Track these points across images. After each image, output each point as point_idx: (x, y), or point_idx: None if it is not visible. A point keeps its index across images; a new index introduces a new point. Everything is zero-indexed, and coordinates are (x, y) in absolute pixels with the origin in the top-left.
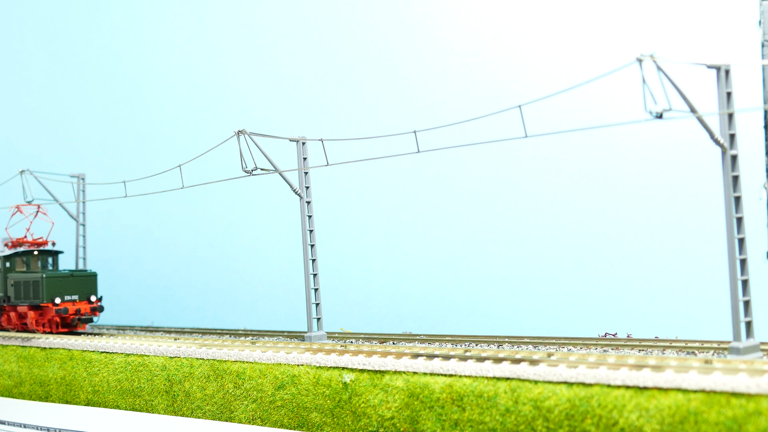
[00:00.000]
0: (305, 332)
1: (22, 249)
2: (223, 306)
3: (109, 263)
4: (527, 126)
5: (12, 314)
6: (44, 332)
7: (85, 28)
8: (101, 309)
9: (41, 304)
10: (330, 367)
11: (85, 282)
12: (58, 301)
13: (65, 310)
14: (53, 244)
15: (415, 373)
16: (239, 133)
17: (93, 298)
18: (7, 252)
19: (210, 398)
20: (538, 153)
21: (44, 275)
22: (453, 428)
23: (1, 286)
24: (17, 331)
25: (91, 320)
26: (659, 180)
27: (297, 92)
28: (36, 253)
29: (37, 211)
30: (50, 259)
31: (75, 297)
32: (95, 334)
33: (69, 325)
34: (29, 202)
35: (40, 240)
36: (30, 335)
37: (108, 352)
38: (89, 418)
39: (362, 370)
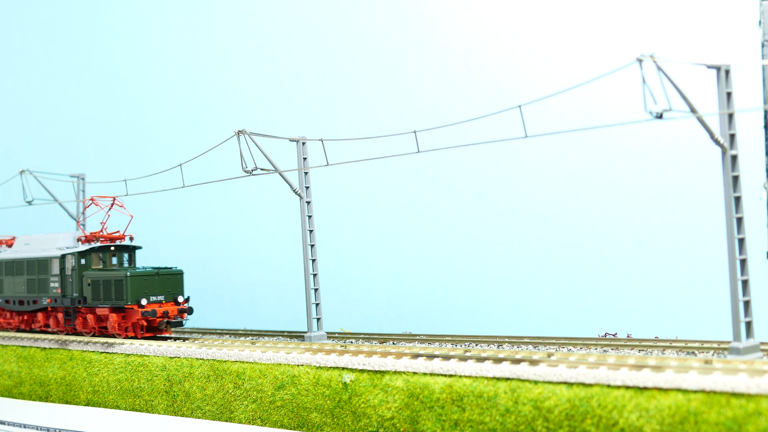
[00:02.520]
0: (305, 332)
1: (98, 244)
2: (223, 306)
3: None
4: (527, 126)
5: (89, 317)
6: (126, 337)
7: (85, 28)
8: (190, 311)
9: (125, 306)
10: (330, 367)
11: (171, 281)
12: (144, 302)
13: (153, 313)
14: (131, 238)
15: (415, 373)
16: (239, 133)
17: (180, 299)
18: (82, 247)
19: (210, 398)
20: (538, 153)
21: (128, 273)
22: (453, 428)
23: (75, 285)
24: (93, 335)
25: (180, 323)
26: (659, 180)
27: (297, 92)
28: (113, 248)
29: (113, 203)
30: (126, 256)
31: (161, 298)
32: (184, 339)
33: (154, 329)
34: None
35: (117, 234)
36: (111, 340)
37: (108, 353)
38: (89, 418)
39: (362, 370)
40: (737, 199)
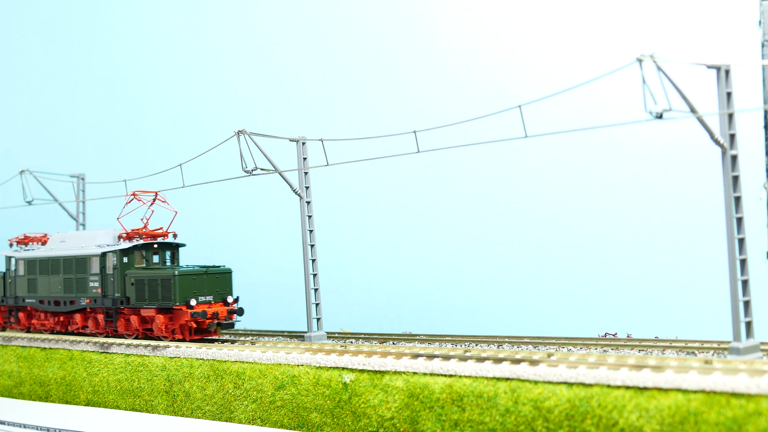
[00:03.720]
0: (305, 332)
1: (141, 241)
2: None
3: None
4: (527, 126)
5: (133, 318)
6: (173, 339)
7: (85, 28)
8: (241, 312)
9: (173, 307)
10: (330, 368)
11: (220, 280)
12: (193, 302)
13: (203, 314)
14: (174, 235)
15: (415, 373)
16: (239, 133)
17: (229, 299)
18: (125, 245)
19: (210, 398)
20: (538, 153)
21: (177, 272)
22: (453, 428)
23: (117, 284)
24: (136, 338)
25: (231, 325)
26: (659, 180)
27: (297, 92)
28: (155, 246)
29: (155, 198)
30: (169, 254)
31: (209, 298)
32: (233, 342)
33: (202, 331)
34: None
35: (159, 231)
36: (155, 343)
37: (108, 353)
38: (89, 418)
39: (362, 371)
40: (737, 199)
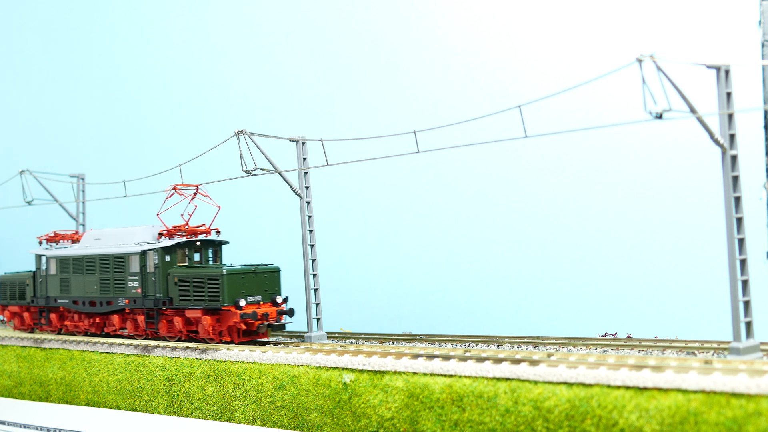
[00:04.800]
0: (305, 332)
1: (184, 239)
2: None
3: None
4: (527, 126)
5: (176, 320)
6: (220, 342)
7: (85, 28)
8: (291, 312)
9: (221, 308)
10: (330, 368)
11: (268, 279)
12: (242, 303)
13: (253, 315)
14: (217, 232)
15: (415, 373)
16: (239, 133)
17: (278, 299)
18: (167, 242)
19: (210, 398)
20: (538, 153)
21: (225, 271)
22: (453, 428)
23: (159, 284)
24: (179, 340)
25: (283, 327)
26: (659, 180)
27: (297, 92)
28: (198, 243)
29: (196, 192)
30: (211, 251)
31: (258, 298)
32: (285, 344)
33: (250, 333)
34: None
35: (202, 227)
36: (201, 346)
37: (108, 353)
38: (89, 418)
39: (362, 371)
40: (737, 199)
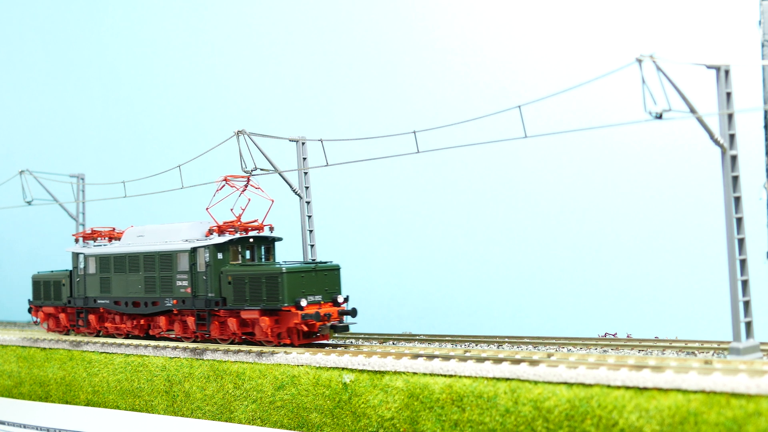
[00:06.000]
0: None
1: (237, 235)
2: None
3: None
4: (527, 126)
5: (230, 321)
6: (279, 345)
7: (85, 28)
8: (354, 312)
9: (281, 308)
10: (330, 368)
11: (329, 277)
12: (303, 303)
13: (315, 316)
14: (271, 228)
15: (414, 373)
16: (239, 133)
17: (339, 299)
18: (219, 239)
19: (210, 398)
20: (538, 153)
21: (285, 269)
22: (453, 429)
23: (211, 283)
24: (233, 343)
25: (346, 328)
26: (659, 180)
27: (297, 92)
28: (251, 240)
29: (247, 183)
30: (263, 249)
31: (318, 297)
32: (344, 347)
33: (310, 335)
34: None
35: (255, 223)
36: (257, 349)
37: (108, 353)
38: (89, 418)
39: (362, 371)
40: (737, 199)
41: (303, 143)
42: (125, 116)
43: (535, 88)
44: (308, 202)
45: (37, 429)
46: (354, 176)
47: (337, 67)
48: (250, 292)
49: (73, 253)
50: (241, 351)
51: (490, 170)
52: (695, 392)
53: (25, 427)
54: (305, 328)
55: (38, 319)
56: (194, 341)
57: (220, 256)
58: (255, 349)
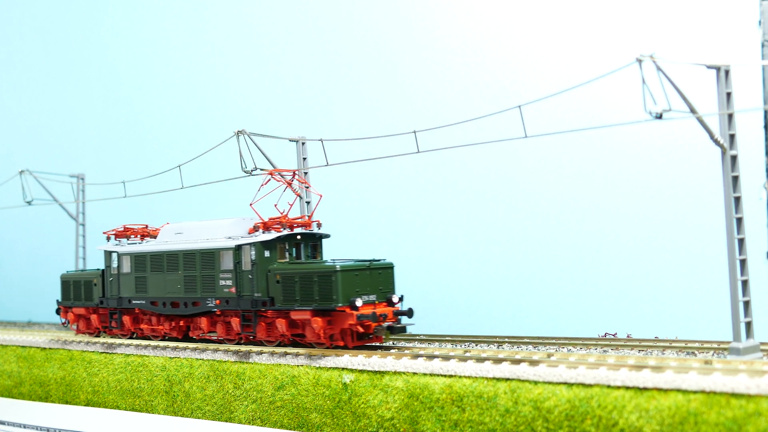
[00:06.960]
0: None
1: (285, 232)
2: None
3: None
4: (527, 126)
5: (279, 322)
6: (330, 346)
7: (85, 28)
8: (410, 313)
9: (335, 309)
10: (330, 368)
11: (383, 276)
12: (359, 303)
13: (372, 316)
14: (318, 225)
15: (414, 373)
16: (239, 133)
17: (394, 298)
18: (266, 236)
19: (210, 399)
20: (538, 153)
21: (339, 267)
22: (453, 429)
23: (257, 282)
24: (280, 345)
25: (403, 329)
26: (659, 180)
27: (297, 92)
28: (299, 237)
29: (293, 177)
30: (311, 246)
31: (373, 297)
32: (398, 349)
33: (364, 337)
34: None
35: (302, 219)
36: (309, 351)
37: (108, 353)
38: (89, 418)
39: (362, 371)
40: (737, 199)
41: (303, 143)
42: (125, 116)
43: (535, 88)
44: (308, 203)
45: (37, 429)
46: (354, 176)
47: (337, 67)
48: (300, 292)
49: (105, 251)
50: (288, 354)
51: (490, 170)
52: (695, 392)
53: (25, 427)
54: (360, 330)
55: (67, 321)
56: (238, 343)
57: (267, 254)
58: (303, 351)
